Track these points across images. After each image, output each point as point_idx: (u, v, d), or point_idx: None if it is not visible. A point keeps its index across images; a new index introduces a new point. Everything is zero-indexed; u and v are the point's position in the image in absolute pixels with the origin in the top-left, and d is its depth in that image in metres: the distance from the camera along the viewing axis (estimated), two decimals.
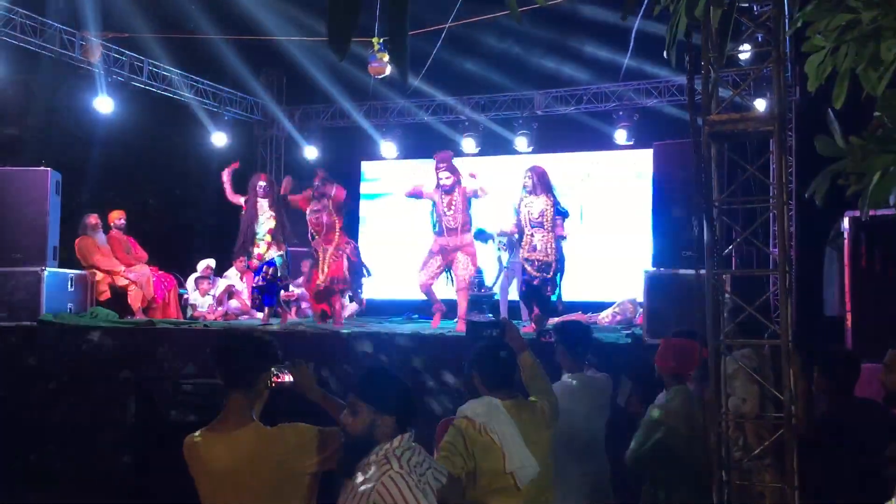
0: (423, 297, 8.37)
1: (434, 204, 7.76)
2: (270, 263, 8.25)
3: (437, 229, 7.74)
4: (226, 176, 8.53)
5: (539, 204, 7.33)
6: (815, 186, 2.24)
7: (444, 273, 7.87)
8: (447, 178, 7.55)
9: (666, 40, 2.75)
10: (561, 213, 7.41)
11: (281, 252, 8.33)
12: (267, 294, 8.34)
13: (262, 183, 8.38)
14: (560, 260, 7.38)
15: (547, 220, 7.34)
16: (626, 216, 11.05)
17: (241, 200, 8.42)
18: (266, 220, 8.30)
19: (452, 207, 7.60)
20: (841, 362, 3.78)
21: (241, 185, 8.55)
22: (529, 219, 7.36)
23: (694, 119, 3.41)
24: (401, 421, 2.64)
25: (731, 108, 3.58)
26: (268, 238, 8.27)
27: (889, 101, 2.06)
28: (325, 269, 7.97)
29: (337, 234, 7.99)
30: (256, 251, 8.30)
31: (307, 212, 8.12)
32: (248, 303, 9.45)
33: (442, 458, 3.01)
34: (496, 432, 3.06)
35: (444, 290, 10.12)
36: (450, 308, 9.70)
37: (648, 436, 3.75)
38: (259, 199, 8.31)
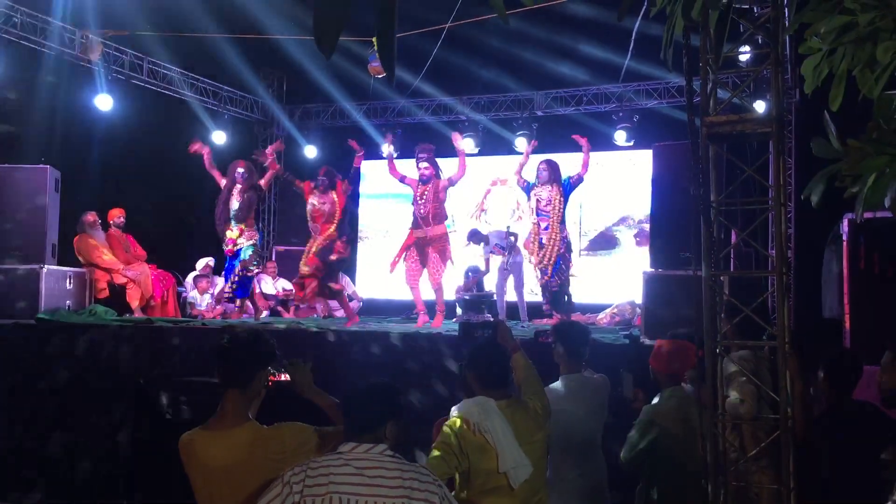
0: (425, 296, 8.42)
1: (413, 196, 7.89)
2: (237, 257, 8.34)
3: (412, 221, 7.82)
4: (207, 149, 8.68)
5: (546, 192, 7.76)
6: (810, 188, 2.24)
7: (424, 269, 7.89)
8: (425, 168, 7.70)
9: (663, 42, 2.75)
10: (567, 189, 7.78)
11: (252, 240, 8.41)
12: (240, 288, 8.45)
13: (240, 169, 8.52)
14: (562, 256, 7.70)
15: (554, 210, 7.69)
16: (625, 217, 11.08)
17: (220, 180, 8.53)
18: (237, 206, 8.36)
19: (424, 197, 7.70)
20: (846, 364, 3.78)
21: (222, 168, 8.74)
22: (538, 207, 7.78)
23: (692, 120, 3.41)
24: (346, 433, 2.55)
25: (730, 110, 3.58)
26: (241, 225, 8.35)
27: (885, 103, 2.06)
28: (308, 255, 7.96)
29: (333, 226, 7.97)
30: (229, 234, 8.38)
31: (308, 202, 8.10)
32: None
33: (436, 457, 3.01)
34: (490, 432, 3.06)
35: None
36: (447, 308, 9.67)
37: (642, 437, 3.75)
38: (237, 185, 8.39)
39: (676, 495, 3.71)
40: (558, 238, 7.75)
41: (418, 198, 7.77)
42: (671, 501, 3.74)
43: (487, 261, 9.41)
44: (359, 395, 2.55)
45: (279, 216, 12.87)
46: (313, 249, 7.93)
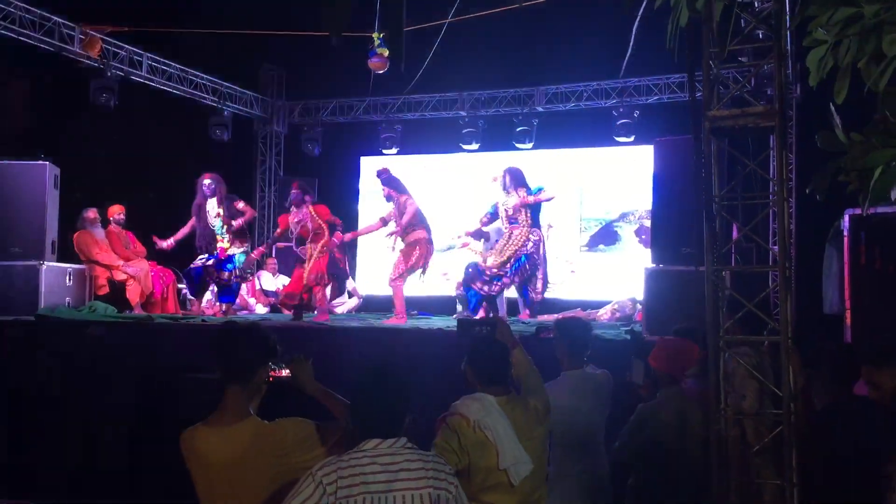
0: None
1: None
2: (230, 261, 8.28)
3: None
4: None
5: (512, 200, 7.92)
6: (815, 182, 2.23)
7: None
8: (383, 190, 8.09)
9: (667, 34, 2.74)
10: (531, 192, 7.95)
11: (243, 248, 8.36)
12: (227, 292, 8.41)
13: (206, 181, 8.36)
14: (528, 256, 7.84)
15: (522, 216, 7.89)
16: (625, 213, 11.09)
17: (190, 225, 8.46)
18: (217, 220, 8.28)
19: (394, 216, 8.06)
20: (847, 359, 3.78)
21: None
22: (507, 216, 7.98)
23: (695, 115, 3.40)
24: (361, 431, 2.51)
25: (731, 105, 3.56)
26: (228, 235, 8.28)
27: (892, 96, 2.05)
28: (308, 266, 7.95)
29: (325, 238, 7.98)
30: (220, 246, 8.30)
31: (291, 223, 8.11)
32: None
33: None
34: (490, 429, 3.05)
35: (445, 287, 10.11)
36: (448, 305, 9.70)
37: (633, 435, 3.77)
38: (207, 199, 8.31)
39: (668, 492, 3.71)
40: (526, 239, 7.88)
41: (393, 218, 8.07)
42: (662, 497, 3.74)
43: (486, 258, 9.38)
44: (376, 394, 2.51)
45: (278, 213, 12.85)
46: (311, 263, 7.93)
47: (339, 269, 8.24)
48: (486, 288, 7.93)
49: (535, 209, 8.00)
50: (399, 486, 2.39)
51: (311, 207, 8.01)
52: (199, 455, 2.69)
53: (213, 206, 8.32)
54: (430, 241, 8.01)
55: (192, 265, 8.51)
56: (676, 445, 3.67)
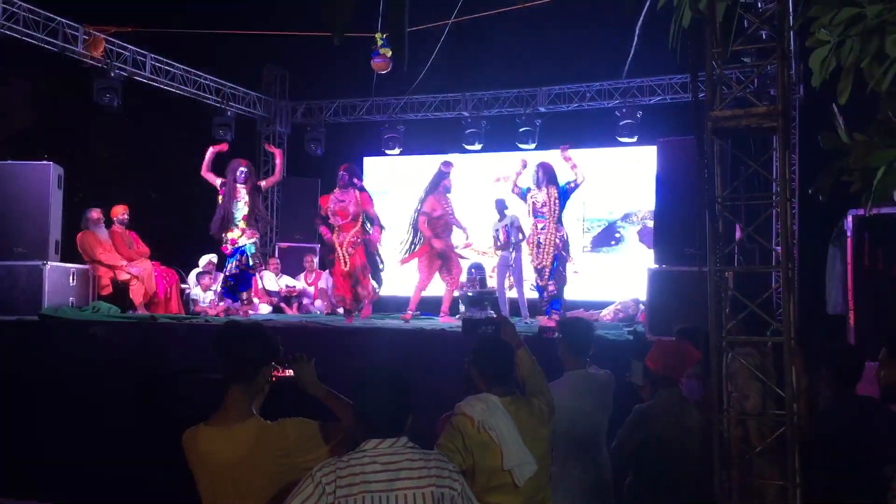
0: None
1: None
2: (241, 251, 8.29)
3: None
4: (210, 153, 8.63)
5: (542, 195, 7.86)
6: (818, 182, 2.23)
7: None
8: (447, 183, 8.25)
9: (670, 34, 2.74)
10: (564, 194, 7.93)
11: (253, 239, 8.38)
12: (240, 281, 8.43)
13: (242, 168, 8.43)
14: (558, 256, 7.88)
15: (550, 211, 7.81)
16: (628, 213, 11.09)
17: (216, 181, 8.46)
18: (242, 206, 8.32)
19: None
20: (849, 359, 3.78)
21: (218, 168, 8.66)
22: (534, 208, 7.90)
23: (697, 115, 3.40)
24: (364, 431, 2.51)
25: (734, 105, 3.56)
26: (242, 224, 8.30)
27: (894, 96, 2.05)
28: (347, 260, 7.97)
29: (357, 226, 8.01)
30: (230, 236, 8.32)
31: (331, 202, 8.09)
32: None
33: None
34: (494, 429, 3.05)
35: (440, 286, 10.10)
36: (451, 306, 9.68)
37: (630, 436, 3.78)
38: (238, 185, 8.34)
39: (665, 492, 3.71)
40: (554, 237, 7.80)
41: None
42: (659, 497, 3.75)
43: (507, 234, 9.25)
44: (378, 393, 2.51)
45: (282, 212, 12.88)
46: (346, 252, 7.95)
47: (374, 260, 8.28)
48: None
49: (561, 204, 7.93)
50: (400, 486, 2.38)
51: (357, 192, 8.04)
52: (202, 455, 2.69)
53: (242, 193, 8.36)
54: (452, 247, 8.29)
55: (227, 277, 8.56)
56: (674, 446, 3.67)
